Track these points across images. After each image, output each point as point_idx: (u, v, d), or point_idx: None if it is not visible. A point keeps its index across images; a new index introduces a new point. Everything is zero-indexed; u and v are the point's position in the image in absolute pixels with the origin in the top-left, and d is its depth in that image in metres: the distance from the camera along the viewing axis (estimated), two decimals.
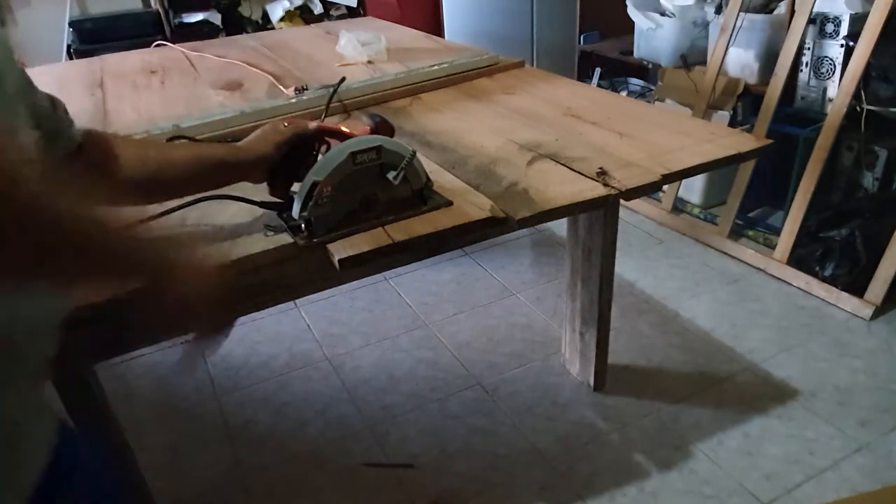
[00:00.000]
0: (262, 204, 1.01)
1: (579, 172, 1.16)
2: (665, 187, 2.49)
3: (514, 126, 1.37)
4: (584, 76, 3.11)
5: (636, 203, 2.66)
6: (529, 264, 2.38)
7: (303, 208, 0.95)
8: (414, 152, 1.00)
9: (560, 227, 2.28)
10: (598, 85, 2.99)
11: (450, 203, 1.07)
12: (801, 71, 2.20)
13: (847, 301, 2.01)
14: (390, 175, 0.98)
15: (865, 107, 2.02)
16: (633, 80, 3.00)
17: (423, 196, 1.04)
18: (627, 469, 1.52)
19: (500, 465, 1.56)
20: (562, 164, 1.20)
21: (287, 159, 0.99)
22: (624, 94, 2.85)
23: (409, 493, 1.50)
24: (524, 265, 2.37)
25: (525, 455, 1.58)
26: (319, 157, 1.02)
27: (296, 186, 0.99)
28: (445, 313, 2.11)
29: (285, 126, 0.98)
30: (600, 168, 1.16)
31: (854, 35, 2.02)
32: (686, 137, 1.32)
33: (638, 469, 1.52)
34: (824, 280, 2.07)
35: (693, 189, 2.55)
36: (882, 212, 2.05)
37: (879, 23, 1.92)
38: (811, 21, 2.12)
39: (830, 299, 2.04)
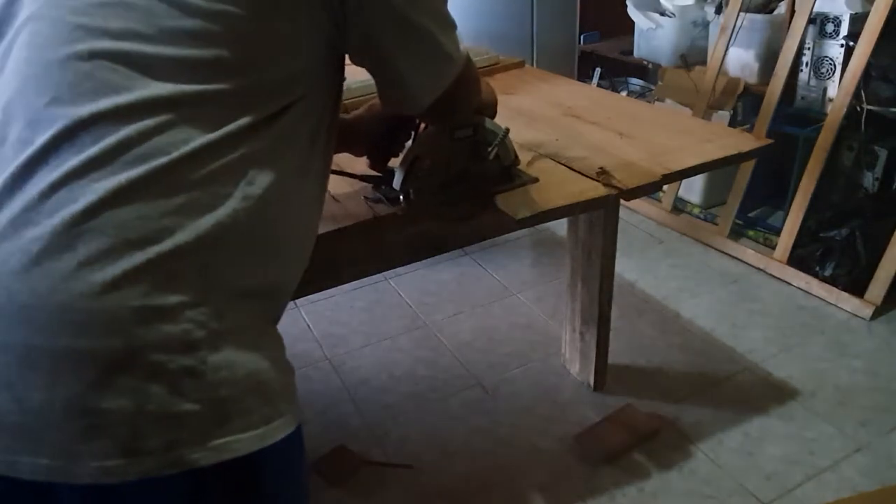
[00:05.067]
0: (361, 177, 1.06)
1: (579, 172, 1.16)
2: (665, 187, 2.49)
3: (515, 126, 1.36)
4: (584, 76, 3.11)
5: (636, 203, 2.66)
6: (529, 264, 2.38)
7: (404, 180, 0.99)
8: (507, 130, 1.04)
9: (560, 227, 2.28)
10: (598, 85, 2.99)
11: (536, 180, 1.11)
12: (801, 71, 2.20)
13: (847, 301, 2.00)
14: (494, 148, 1.02)
15: (865, 107, 2.02)
16: (633, 80, 3.00)
17: (510, 173, 1.07)
18: (627, 469, 1.52)
19: (500, 465, 1.55)
20: (562, 164, 1.20)
21: (388, 135, 1.03)
22: (624, 94, 2.84)
23: (409, 492, 1.50)
24: (524, 265, 2.37)
25: (525, 455, 1.58)
26: (414, 134, 1.07)
27: (392, 162, 1.04)
28: (445, 313, 2.11)
29: None
30: (600, 168, 1.16)
31: (854, 35, 2.02)
32: (686, 137, 1.32)
33: (638, 469, 1.52)
34: (824, 280, 2.07)
35: (693, 189, 2.55)
36: (882, 212, 2.05)
37: (879, 23, 1.92)
38: (811, 21, 2.12)
39: (830, 299, 2.04)
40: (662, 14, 2.65)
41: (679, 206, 2.59)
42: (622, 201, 1.18)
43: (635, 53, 2.83)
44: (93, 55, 0.57)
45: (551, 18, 2.90)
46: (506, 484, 1.51)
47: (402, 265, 1.23)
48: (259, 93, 0.62)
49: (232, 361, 0.58)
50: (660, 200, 2.62)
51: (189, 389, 0.55)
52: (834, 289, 2.03)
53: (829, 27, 2.10)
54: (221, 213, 0.58)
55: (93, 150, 0.55)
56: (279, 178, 0.63)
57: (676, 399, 1.71)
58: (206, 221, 0.57)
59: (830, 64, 2.13)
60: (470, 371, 1.86)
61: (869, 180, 2.15)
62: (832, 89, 2.12)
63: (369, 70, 0.77)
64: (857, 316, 1.98)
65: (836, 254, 2.07)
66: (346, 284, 0.96)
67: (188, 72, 0.59)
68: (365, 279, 1.54)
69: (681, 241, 2.47)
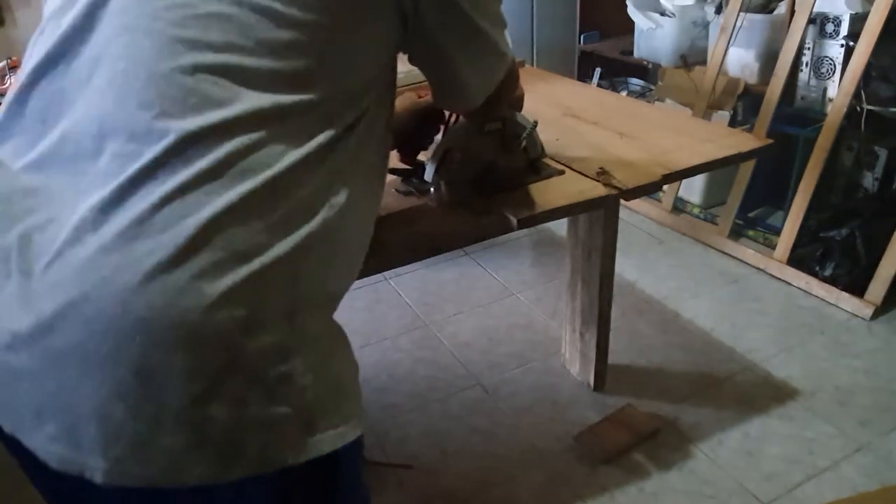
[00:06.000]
0: (392, 171, 1.08)
1: (579, 172, 1.16)
2: (665, 187, 2.49)
3: None
4: (584, 76, 3.11)
5: (636, 203, 2.66)
6: (529, 264, 2.38)
7: (436, 172, 1.01)
8: (535, 123, 1.05)
9: (560, 227, 2.28)
10: (598, 85, 2.99)
11: (562, 172, 1.13)
12: (801, 71, 2.20)
13: (847, 301, 2.00)
14: (522, 141, 1.04)
15: (865, 107, 2.02)
16: (633, 80, 2.99)
17: (536, 166, 1.09)
18: (627, 469, 1.52)
19: (500, 465, 1.55)
20: (562, 164, 1.20)
21: (418, 129, 1.05)
22: (624, 94, 2.84)
23: (409, 493, 1.50)
24: (524, 265, 2.37)
25: (525, 455, 1.58)
26: (442, 128, 1.09)
27: (422, 155, 1.07)
28: (445, 313, 2.11)
29: (420, 98, 1.06)
30: (600, 168, 1.16)
31: (854, 35, 2.02)
32: (686, 137, 1.32)
33: (638, 469, 1.52)
34: (824, 280, 2.06)
35: (693, 189, 2.55)
36: (882, 212, 2.05)
37: (879, 23, 1.92)
38: (811, 21, 2.12)
39: (830, 299, 2.04)
40: (662, 14, 2.65)
41: (679, 206, 2.59)
42: (622, 201, 1.18)
43: (635, 53, 2.83)
44: (196, 69, 0.58)
45: (551, 18, 2.90)
46: (505, 484, 1.51)
47: (402, 265, 1.23)
48: (340, 102, 0.65)
49: (317, 365, 0.61)
50: (660, 200, 2.62)
51: (282, 395, 0.58)
52: (834, 289, 2.03)
53: (829, 27, 2.10)
54: (314, 223, 0.60)
55: (202, 164, 0.56)
56: (355, 186, 0.66)
57: (676, 399, 1.71)
58: (301, 233, 0.59)
59: (830, 64, 2.12)
60: (470, 371, 1.86)
61: (869, 180, 2.15)
62: (832, 89, 2.12)
63: (427, 70, 0.81)
64: (857, 316, 1.98)
65: (836, 254, 2.07)
66: None
67: (282, 82, 0.60)
68: (365, 279, 1.54)
69: (681, 241, 2.47)
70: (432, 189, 1.04)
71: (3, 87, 1.85)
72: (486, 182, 1.06)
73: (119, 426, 0.55)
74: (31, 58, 0.65)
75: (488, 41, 0.78)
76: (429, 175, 1.03)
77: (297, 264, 0.59)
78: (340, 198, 0.63)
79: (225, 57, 0.59)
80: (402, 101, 1.05)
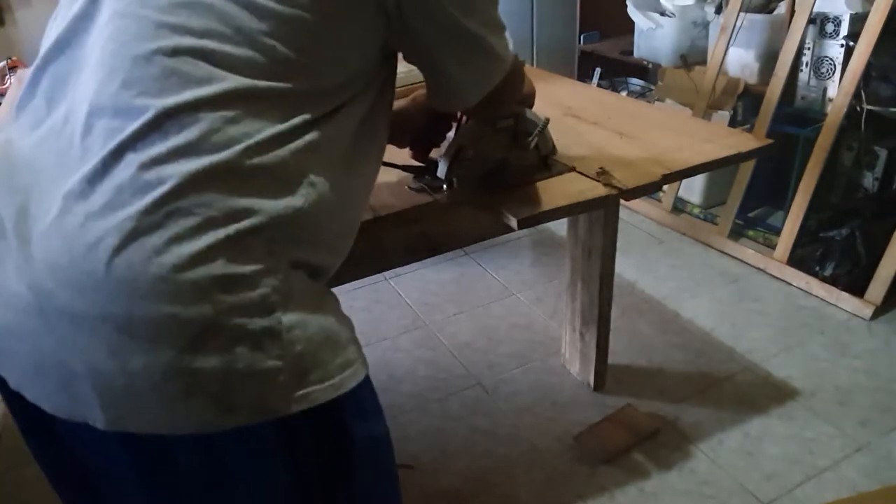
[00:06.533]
0: (404, 167, 1.11)
1: (579, 172, 1.16)
2: (665, 187, 2.49)
3: None
4: (584, 76, 3.11)
5: (636, 203, 2.66)
6: (529, 264, 2.38)
7: (449, 169, 1.02)
8: (547, 120, 1.06)
9: (560, 227, 2.28)
10: (598, 85, 2.99)
11: (573, 168, 1.13)
12: (802, 71, 2.20)
13: (847, 301, 2.00)
14: (534, 138, 1.05)
15: (865, 107, 2.02)
16: (633, 80, 2.99)
17: (547, 162, 1.09)
18: (627, 469, 1.52)
19: (500, 465, 1.55)
20: (562, 163, 1.20)
21: (430, 127, 1.07)
22: (624, 94, 2.84)
23: (409, 493, 1.50)
24: (524, 265, 2.37)
25: (525, 455, 1.58)
26: (454, 126, 1.10)
27: (434, 152, 1.08)
28: (445, 313, 2.11)
29: None
30: (600, 168, 1.16)
31: (854, 35, 2.02)
32: (686, 137, 1.32)
33: (638, 469, 1.52)
34: (824, 280, 2.06)
35: (693, 189, 2.55)
36: (882, 212, 2.05)
37: (879, 23, 1.92)
38: (811, 21, 2.12)
39: (830, 299, 2.04)
40: (662, 14, 2.65)
41: (679, 206, 2.59)
42: (622, 201, 1.18)
43: (635, 53, 2.83)
44: (177, 51, 0.62)
45: (551, 18, 2.90)
46: (506, 484, 1.51)
47: (402, 265, 1.24)
48: (319, 92, 0.67)
49: (303, 320, 0.64)
50: (660, 200, 2.62)
51: (269, 348, 0.61)
52: (834, 289, 2.03)
53: (829, 27, 2.10)
54: (292, 198, 0.64)
55: (178, 138, 0.60)
56: (337, 170, 0.69)
57: (676, 399, 1.71)
58: (278, 204, 0.62)
59: (830, 64, 2.12)
60: (470, 371, 1.86)
61: (869, 180, 2.15)
62: (832, 89, 2.12)
63: (420, 69, 0.82)
64: (857, 316, 1.98)
65: (836, 254, 2.07)
66: (346, 284, 0.97)
67: (259, 69, 0.63)
68: (365, 279, 1.54)
69: (681, 241, 2.47)
70: (444, 186, 1.05)
71: (3, 87, 1.85)
72: (497, 178, 1.07)
73: (112, 380, 0.59)
74: (47, 40, 0.70)
75: (479, 43, 0.78)
76: (441, 172, 1.04)
77: (272, 232, 0.62)
78: (320, 178, 0.66)
79: (205, 42, 0.62)
80: (414, 99, 1.06)
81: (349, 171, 0.71)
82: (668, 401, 1.71)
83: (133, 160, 0.59)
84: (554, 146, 1.12)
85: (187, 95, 0.61)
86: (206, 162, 0.60)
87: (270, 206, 0.62)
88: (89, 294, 0.58)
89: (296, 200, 0.64)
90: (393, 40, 0.74)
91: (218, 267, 0.59)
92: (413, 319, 2.09)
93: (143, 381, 0.59)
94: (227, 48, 0.63)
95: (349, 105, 0.70)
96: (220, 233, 0.59)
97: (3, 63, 1.95)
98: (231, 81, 0.62)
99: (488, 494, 1.49)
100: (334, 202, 0.68)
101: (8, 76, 1.90)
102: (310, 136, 0.65)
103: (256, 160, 0.62)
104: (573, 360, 1.80)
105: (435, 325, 2.06)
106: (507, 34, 0.82)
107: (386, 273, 2.26)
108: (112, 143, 0.60)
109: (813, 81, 2.19)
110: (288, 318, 0.63)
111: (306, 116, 0.65)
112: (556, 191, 1.10)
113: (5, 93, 1.77)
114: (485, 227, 1.12)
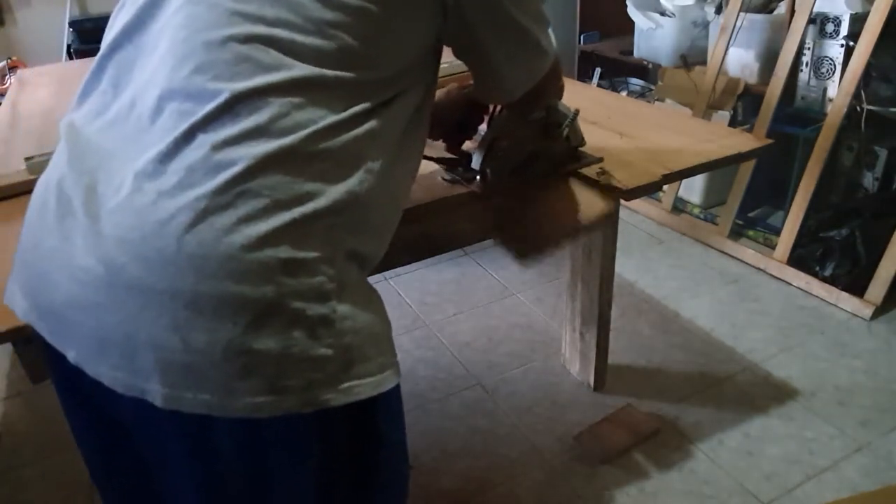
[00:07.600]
0: (438, 160, 1.12)
1: (580, 172, 1.16)
2: (665, 187, 2.49)
3: None
4: (584, 76, 3.11)
5: (636, 203, 2.66)
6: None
7: (483, 160, 1.04)
8: (577, 111, 1.08)
9: None
10: (598, 85, 2.99)
11: (601, 159, 1.15)
12: (801, 71, 2.20)
13: (847, 301, 2.01)
14: (565, 129, 1.07)
15: (865, 107, 2.02)
16: (633, 80, 2.99)
17: (577, 153, 1.11)
18: (627, 469, 1.52)
19: (500, 465, 1.56)
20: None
21: (463, 119, 1.09)
22: (624, 94, 2.84)
23: (409, 493, 1.50)
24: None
25: (525, 455, 1.58)
26: (487, 118, 1.11)
27: (467, 144, 1.10)
28: (445, 313, 2.11)
29: (464, 88, 1.09)
30: (601, 168, 1.16)
31: (854, 35, 2.02)
32: (686, 137, 1.32)
33: (638, 469, 1.52)
34: (824, 280, 2.07)
35: (693, 189, 2.55)
36: (882, 212, 2.05)
37: (879, 23, 1.92)
38: (811, 21, 2.12)
39: (830, 299, 2.04)
40: (662, 14, 2.65)
41: (679, 206, 2.59)
42: (622, 201, 1.18)
43: (635, 53, 2.83)
44: (249, 38, 0.64)
45: (551, 18, 2.90)
46: (506, 484, 1.51)
47: (402, 265, 1.24)
48: (378, 82, 0.70)
49: (354, 313, 0.65)
50: (660, 200, 2.62)
51: (323, 335, 0.63)
52: (834, 289, 2.03)
53: (829, 27, 2.10)
54: (351, 183, 0.66)
55: (248, 121, 0.62)
56: (391, 157, 0.71)
57: (676, 399, 1.71)
58: (339, 189, 0.64)
59: (830, 64, 2.13)
60: (470, 371, 1.86)
61: (869, 180, 2.15)
62: (832, 89, 2.12)
63: (468, 63, 0.84)
64: (857, 316, 1.98)
65: (836, 254, 2.07)
66: None
67: (326, 58, 0.66)
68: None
69: (681, 241, 2.47)
70: (478, 177, 1.06)
71: (3, 87, 1.85)
72: (528, 169, 1.08)
73: (174, 354, 0.60)
74: (111, 30, 0.73)
75: (528, 38, 0.81)
76: (476, 163, 1.06)
77: (333, 218, 0.64)
78: (376, 164, 0.68)
79: (276, 31, 0.64)
80: (448, 93, 1.08)
81: (399, 159, 0.73)
82: (668, 401, 1.71)
83: (205, 141, 0.61)
84: (583, 137, 1.13)
85: (258, 81, 0.63)
86: (275, 145, 0.61)
87: (332, 190, 0.64)
88: (159, 269, 0.59)
89: (354, 186, 0.65)
90: (446, 33, 0.76)
91: (284, 250, 0.61)
92: (413, 319, 2.09)
93: (204, 358, 0.60)
94: (297, 37, 0.65)
95: (403, 95, 0.72)
96: (286, 216, 0.61)
97: (3, 63, 1.95)
98: (299, 69, 0.64)
99: (488, 494, 1.49)
100: (386, 189, 0.70)
101: (8, 76, 1.91)
102: (369, 125, 0.67)
103: (322, 145, 0.64)
104: (573, 360, 1.80)
105: (435, 325, 2.06)
106: (550, 30, 0.84)
107: (386, 273, 2.26)
108: (184, 125, 0.62)
109: (813, 81, 2.19)
110: (341, 309, 0.64)
111: (366, 105, 0.67)
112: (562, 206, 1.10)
113: (5, 93, 1.77)
114: (485, 228, 1.12)
